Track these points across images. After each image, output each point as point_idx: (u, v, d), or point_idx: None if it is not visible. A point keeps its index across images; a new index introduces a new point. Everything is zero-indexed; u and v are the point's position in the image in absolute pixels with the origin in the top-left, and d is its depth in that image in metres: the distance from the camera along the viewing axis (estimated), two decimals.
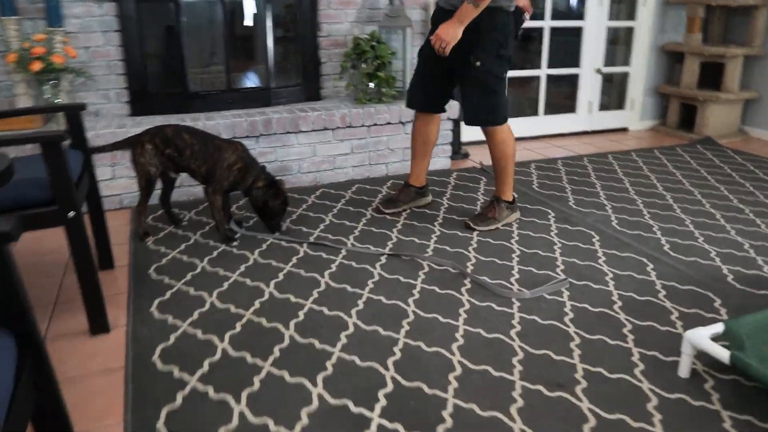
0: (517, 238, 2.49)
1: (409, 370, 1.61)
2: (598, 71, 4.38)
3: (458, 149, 3.72)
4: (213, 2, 3.17)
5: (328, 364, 1.64)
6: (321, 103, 3.41)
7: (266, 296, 2.01)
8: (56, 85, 2.79)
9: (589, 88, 4.40)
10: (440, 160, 3.50)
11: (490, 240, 2.46)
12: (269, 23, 3.28)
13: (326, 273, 2.18)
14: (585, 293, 2.03)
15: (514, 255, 2.33)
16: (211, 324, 1.84)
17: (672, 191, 3.09)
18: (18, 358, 0.97)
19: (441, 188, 3.12)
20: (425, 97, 2.63)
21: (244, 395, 1.51)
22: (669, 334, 1.78)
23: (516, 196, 2.73)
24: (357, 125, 3.24)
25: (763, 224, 2.64)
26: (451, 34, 2.27)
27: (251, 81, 3.45)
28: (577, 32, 4.28)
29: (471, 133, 3.84)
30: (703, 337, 1.55)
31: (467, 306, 1.94)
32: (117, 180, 2.85)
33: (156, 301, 1.97)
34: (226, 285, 2.09)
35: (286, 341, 1.74)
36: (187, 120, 2.95)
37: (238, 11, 3.29)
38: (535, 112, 4.32)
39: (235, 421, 1.42)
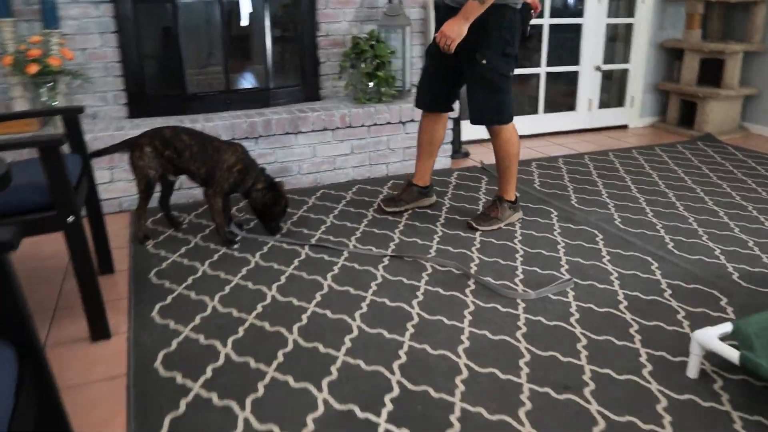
0: (520, 237, 2.47)
1: (415, 374, 1.59)
2: (598, 68, 4.36)
3: (458, 148, 3.70)
4: (211, 2, 3.14)
5: (333, 369, 1.62)
6: (320, 103, 3.39)
7: (268, 300, 1.99)
8: (53, 87, 2.76)
9: (589, 86, 4.38)
10: (441, 159, 3.48)
11: (493, 240, 2.44)
12: (267, 23, 3.26)
13: (329, 275, 2.15)
14: (590, 293, 2.02)
15: (517, 255, 2.31)
16: (214, 329, 1.81)
17: (674, 189, 3.07)
18: (18, 370, 0.95)
19: (442, 188, 3.10)
20: (432, 96, 2.61)
21: (248, 401, 1.49)
22: (676, 334, 1.77)
23: (518, 195, 2.71)
24: (357, 125, 3.22)
25: (767, 221, 2.62)
26: (456, 30, 2.24)
27: (250, 82, 3.42)
28: (577, 29, 4.26)
29: (471, 132, 3.83)
30: (712, 338, 1.53)
31: (472, 307, 1.92)
32: (116, 183, 2.82)
33: (157, 306, 1.95)
34: (227, 289, 2.06)
35: (290, 345, 1.72)
36: (186, 122, 2.92)
37: (236, 11, 3.27)
38: (534, 110, 4.30)
39: (240, 428, 1.40)
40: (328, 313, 1.90)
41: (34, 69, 2.64)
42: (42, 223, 1.64)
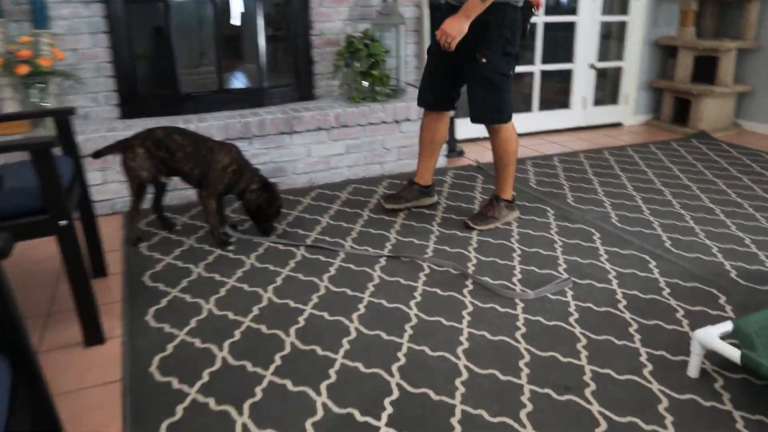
0: (517, 237, 2.46)
1: (415, 376, 1.57)
2: (592, 66, 4.36)
3: (453, 147, 3.68)
4: (203, 2, 3.11)
5: (332, 372, 1.60)
6: (314, 102, 3.37)
7: (265, 302, 1.96)
8: (44, 88, 2.72)
9: (583, 84, 4.38)
10: None
11: (490, 239, 2.43)
12: (261, 22, 3.23)
13: (325, 276, 2.13)
14: (589, 292, 2.01)
15: (515, 254, 2.29)
16: (210, 332, 1.79)
17: (670, 186, 3.07)
18: (12, 380, 0.92)
19: (438, 187, 3.08)
20: (433, 94, 2.59)
21: (246, 406, 1.47)
22: (676, 333, 1.76)
23: (515, 194, 2.69)
24: (351, 125, 3.20)
25: (763, 218, 2.63)
26: (456, 28, 2.22)
27: (243, 81, 3.39)
28: (571, 27, 4.25)
29: (466, 130, 3.81)
30: (713, 337, 1.52)
31: (470, 308, 1.91)
32: (108, 185, 2.79)
33: (152, 310, 1.92)
34: (223, 291, 2.04)
35: (288, 348, 1.70)
36: (179, 122, 2.89)
37: (228, 11, 3.24)
38: (529, 108, 4.29)
39: None
40: (326, 314, 1.88)
41: (24, 70, 2.60)
42: (34, 227, 1.61)
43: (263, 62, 3.29)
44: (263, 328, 1.81)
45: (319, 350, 1.69)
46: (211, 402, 1.48)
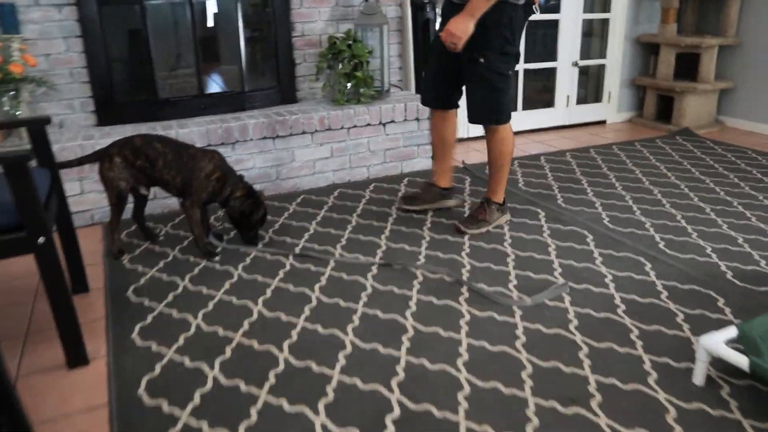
0: (509, 240, 2.41)
1: (415, 392, 1.52)
2: (575, 64, 4.34)
3: None
4: (181, 3, 3.02)
5: (329, 389, 1.54)
6: (297, 105, 3.29)
7: (255, 316, 1.89)
8: (15, 96, 2.61)
9: (567, 82, 4.36)
10: (422, 160, 3.42)
11: (482, 244, 2.39)
12: (240, 24, 3.15)
13: (316, 287, 2.07)
14: (587, 297, 1.97)
15: (509, 259, 2.25)
16: (199, 350, 1.72)
17: (659, 185, 3.06)
18: None
19: None
20: (436, 93, 2.55)
21: (241, 429, 1.40)
22: (678, 339, 1.73)
23: (504, 197, 2.65)
24: (336, 128, 3.13)
25: (753, 217, 2.62)
26: (462, 28, 2.16)
27: (224, 85, 3.30)
28: (554, 25, 4.23)
29: None
30: (718, 344, 1.49)
31: (468, 317, 1.86)
32: (86, 195, 2.69)
33: (137, 327, 1.84)
34: (211, 305, 1.97)
35: (281, 365, 1.64)
36: (159, 128, 2.80)
37: (207, 13, 3.15)
38: (513, 108, 4.24)
39: None
40: (319, 328, 1.82)
41: None
42: (10, 245, 1.53)
43: (244, 65, 3.21)
44: (255, 344, 1.74)
45: (314, 366, 1.63)
46: (204, 426, 1.41)
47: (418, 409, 1.46)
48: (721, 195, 2.89)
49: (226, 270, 2.21)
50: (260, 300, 1.99)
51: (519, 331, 1.78)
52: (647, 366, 1.61)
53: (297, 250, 2.37)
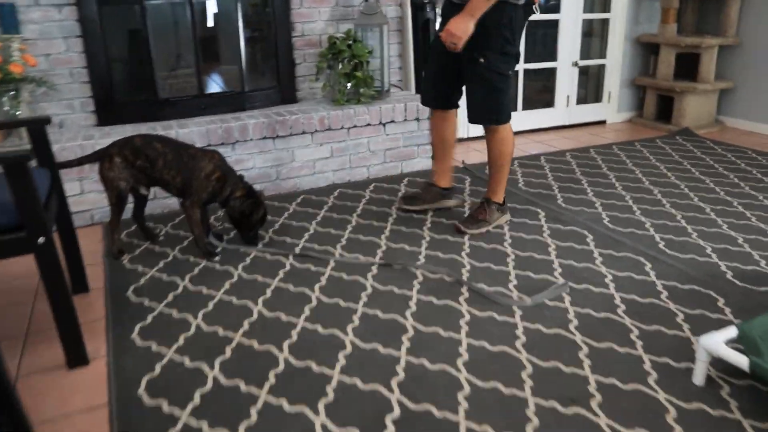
0: (509, 240, 2.41)
1: (415, 392, 1.52)
2: (575, 64, 4.34)
3: None
4: (181, 3, 3.01)
5: (329, 389, 1.54)
6: (297, 105, 3.29)
7: (255, 316, 1.89)
8: (15, 96, 2.61)
9: (567, 82, 4.36)
10: (421, 160, 3.42)
11: (482, 244, 2.38)
12: (240, 24, 3.15)
13: (316, 287, 2.07)
14: (587, 297, 1.97)
15: (509, 259, 2.25)
16: (199, 350, 1.72)
17: (659, 185, 3.06)
18: None
19: None
20: (436, 93, 2.55)
21: (241, 429, 1.40)
22: (677, 339, 1.73)
23: (504, 197, 2.65)
24: (336, 128, 3.13)
25: (753, 217, 2.62)
26: (462, 28, 2.16)
27: (224, 85, 3.30)
28: (554, 25, 4.23)
29: None
30: (718, 344, 1.49)
31: (468, 317, 1.86)
32: (86, 195, 2.69)
33: (137, 327, 1.84)
34: (211, 305, 1.97)
35: (281, 365, 1.64)
36: (159, 128, 2.80)
37: (207, 12, 3.15)
38: (513, 108, 4.24)
39: None
40: (319, 328, 1.82)
41: None
42: (10, 245, 1.53)
43: (244, 65, 3.21)
44: (255, 344, 1.74)
45: (314, 366, 1.63)
46: (205, 426, 1.41)
47: (418, 409, 1.46)
48: (721, 195, 2.89)
49: (226, 270, 2.21)
50: (260, 300, 1.99)
51: (519, 331, 1.78)
52: (647, 366, 1.61)
53: (297, 250, 2.37)
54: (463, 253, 2.31)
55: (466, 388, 1.53)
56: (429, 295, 1.99)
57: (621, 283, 2.06)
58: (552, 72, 4.34)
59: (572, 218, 2.63)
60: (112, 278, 2.17)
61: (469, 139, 4.00)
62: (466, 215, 2.61)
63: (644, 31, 4.46)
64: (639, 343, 1.71)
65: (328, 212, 2.77)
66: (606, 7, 4.39)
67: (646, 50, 4.52)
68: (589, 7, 4.33)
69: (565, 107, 4.41)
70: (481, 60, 2.26)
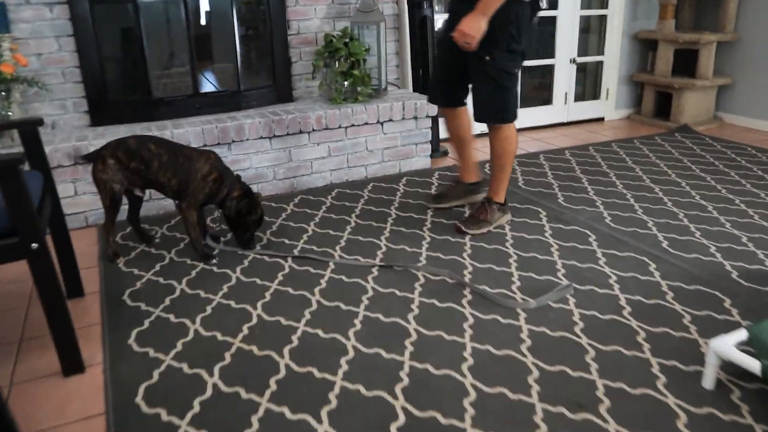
0: (511, 241, 2.38)
1: (420, 398, 1.49)
2: (573, 61, 4.31)
3: (437, 147, 3.60)
4: (174, 1, 2.96)
5: (332, 396, 1.50)
6: (294, 104, 3.25)
7: (254, 320, 1.86)
8: (7, 96, 2.56)
9: (565, 79, 4.33)
10: (420, 159, 3.38)
11: (484, 244, 2.35)
12: (236, 22, 3.10)
13: (316, 290, 2.03)
14: (591, 299, 1.94)
15: (511, 260, 2.22)
16: (198, 355, 1.68)
17: (659, 183, 3.03)
18: None
19: (424, 189, 3.00)
20: (443, 91, 2.53)
21: None
22: (685, 341, 1.70)
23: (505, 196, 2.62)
24: (333, 127, 3.09)
25: (756, 215, 2.59)
26: (476, 27, 2.12)
27: (219, 84, 3.25)
28: (551, 22, 4.19)
29: None
30: (729, 347, 1.46)
31: (471, 320, 1.83)
32: (80, 196, 2.64)
33: (134, 332, 1.80)
34: (209, 309, 1.93)
35: (282, 371, 1.60)
36: (153, 129, 2.76)
37: (201, 11, 3.10)
38: None
39: None
40: (320, 332, 1.78)
41: None
42: (2, 251, 1.48)
43: (239, 64, 3.16)
44: (255, 350, 1.70)
45: (316, 372, 1.60)
46: None
47: (424, 416, 1.42)
48: (722, 193, 2.87)
49: (224, 273, 2.17)
50: (259, 304, 1.95)
51: (524, 334, 1.75)
52: (655, 369, 1.58)
53: (296, 251, 2.33)
54: (465, 254, 2.27)
55: (472, 394, 1.50)
56: (431, 298, 1.96)
57: (625, 283, 2.03)
58: (550, 69, 4.30)
59: (574, 217, 2.60)
60: (108, 282, 2.12)
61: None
62: (466, 215, 2.57)
63: (642, 27, 4.43)
64: (646, 346, 1.68)
65: (326, 213, 2.73)
66: (604, 3, 4.36)
67: (644, 46, 4.49)
68: (586, 4, 4.30)
69: (564, 104, 4.38)
70: (488, 58, 2.23)
